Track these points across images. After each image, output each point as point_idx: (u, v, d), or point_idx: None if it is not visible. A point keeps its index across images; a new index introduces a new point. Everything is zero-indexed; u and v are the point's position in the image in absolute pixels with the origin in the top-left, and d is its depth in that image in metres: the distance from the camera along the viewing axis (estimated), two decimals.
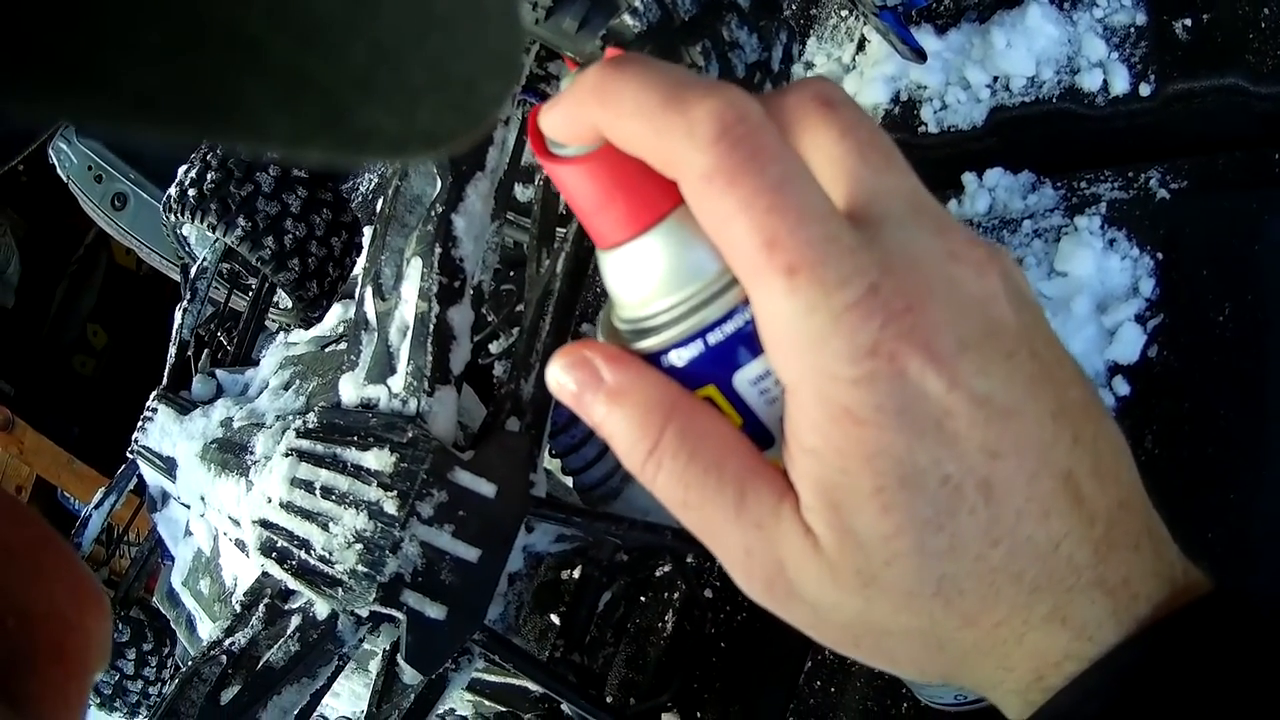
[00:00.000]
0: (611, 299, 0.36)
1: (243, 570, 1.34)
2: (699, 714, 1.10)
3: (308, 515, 1.04)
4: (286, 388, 1.37)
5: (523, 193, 1.45)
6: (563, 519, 0.97)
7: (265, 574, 1.13)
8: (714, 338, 0.33)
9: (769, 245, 0.30)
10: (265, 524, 1.10)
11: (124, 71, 0.17)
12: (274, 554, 1.07)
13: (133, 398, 2.11)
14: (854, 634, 0.36)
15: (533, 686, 1.16)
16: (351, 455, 1.03)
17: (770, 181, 0.30)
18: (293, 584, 1.05)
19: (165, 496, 1.50)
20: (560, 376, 0.36)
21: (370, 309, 1.13)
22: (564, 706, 1.13)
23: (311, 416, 1.12)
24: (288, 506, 1.07)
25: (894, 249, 0.32)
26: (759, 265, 0.30)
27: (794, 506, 0.33)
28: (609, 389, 0.35)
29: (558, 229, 1.20)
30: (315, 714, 1.12)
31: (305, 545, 1.03)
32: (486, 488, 0.95)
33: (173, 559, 1.48)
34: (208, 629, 1.43)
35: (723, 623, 1.11)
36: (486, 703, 1.17)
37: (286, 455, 1.10)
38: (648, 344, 0.35)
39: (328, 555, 1.00)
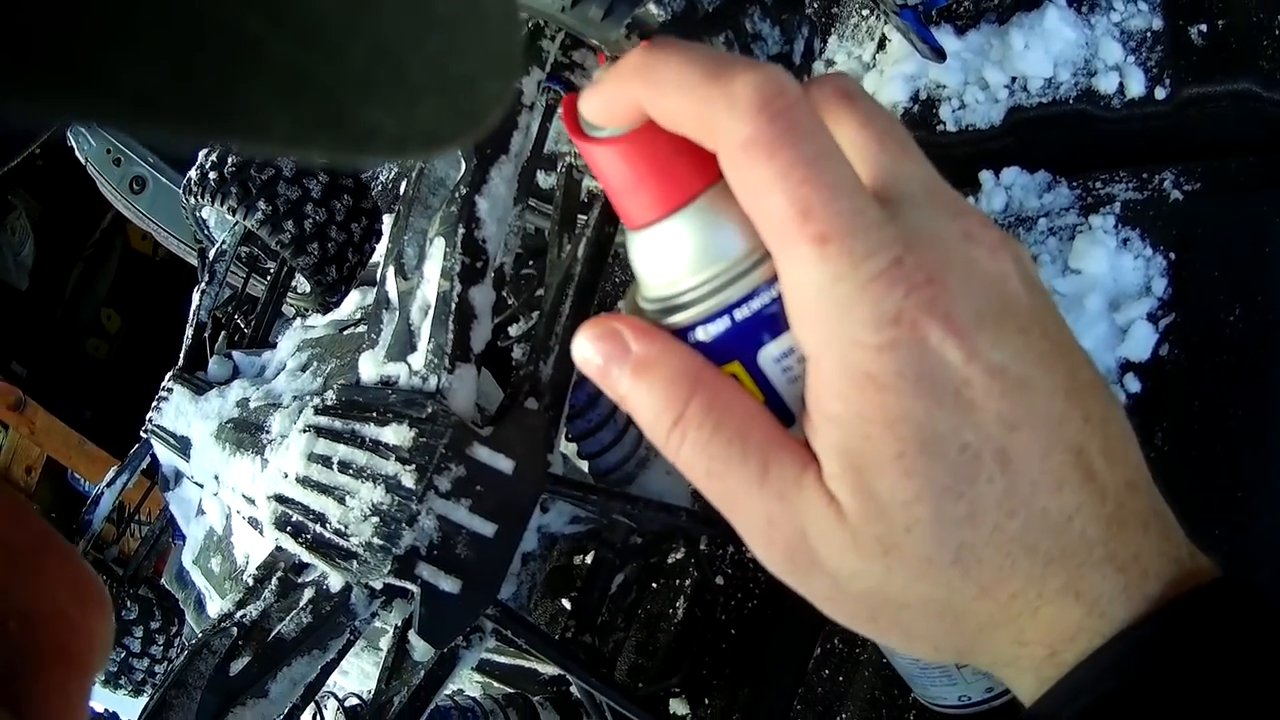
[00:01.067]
0: (638, 279, 0.37)
1: (255, 548, 1.35)
2: (707, 699, 1.10)
3: (324, 489, 1.05)
4: (304, 369, 1.38)
5: (545, 180, 1.46)
6: (578, 496, 0.97)
7: (279, 548, 1.14)
8: (741, 314, 0.35)
9: (802, 215, 0.31)
10: (281, 499, 1.11)
11: (124, 71, 0.17)
12: (289, 528, 1.08)
13: (146, 382, 2.11)
14: (872, 606, 0.36)
15: (543, 669, 1.17)
16: (370, 430, 1.04)
17: (806, 155, 0.31)
18: (307, 557, 1.06)
19: (178, 476, 1.51)
20: (586, 349, 0.37)
21: (392, 288, 1.14)
22: (573, 688, 1.14)
23: (330, 393, 1.13)
24: (304, 481, 1.08)
25: (915, 227, 0.33)
26: (791, 233, 0.32)
27: (816, 475, 0.34)
28: (636, 360, 0.36)
29: (579, 216, 1.21)
30: (324, 690, 1.12)
31: (321, 519, 1.04)
32: (504, 464, 0.96)
33: (184, 538, 1.49)
34: (217, 607, 1.43)
35: (733, 610, 1.12)
36: (496, 684, 1.18)
37: (304, 431, 1.10)
38: (675, 320, 0.36)
39: (343, 529, 1.01)
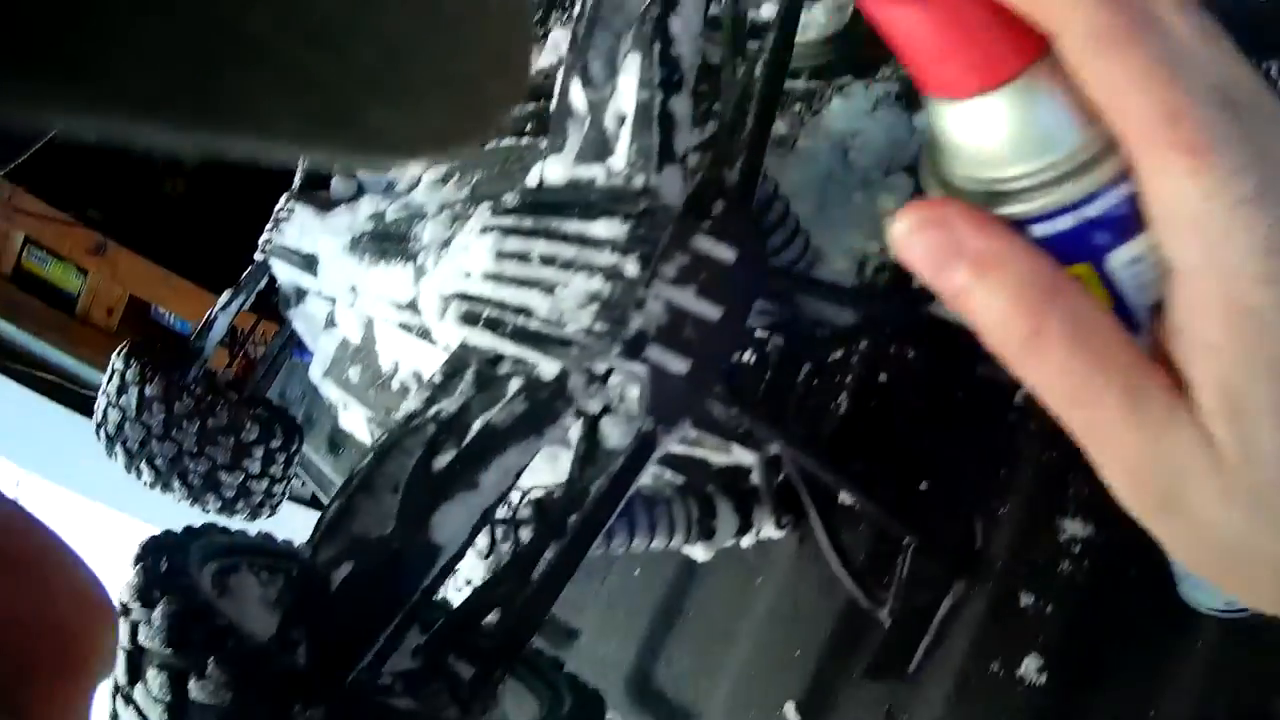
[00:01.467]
0: (946, 150, 0.34)
1: (405, 352, 1.39)
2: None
3: (525, 283, 1.10)
4: (444, 181, 1.41)
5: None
6: (803, 288, 1.04)
7: (465, 345, 1.18)
8: (1092, 211, 0.32)
9: (1170, 120, 0.29)
10: (466, 297, 1.15)
11: (129, 71, 0.17)
12: (481, 323, 1.12)
13: (223, 218, 2.07)
14: (1226, 560, 0.35)
15: (714, 459, 1.25)
16: (573, 226, 1.09)
17: (1166, 53, 0.29)
18: (510, 349, 1.10)
19: (300, 293, 1.53)
20: (911, 234, 0.33)
21: (578, 98, 1.17)
22: (753, 476, 1.22)
23: (509, 197, 1.17)
24: (497, 278, 1.12)
25: (1264, 144, 0.30)
26: (1159, 139, 0.29)
27: (1189, 410, 0.32)
28: (976, 256, 0.32)
29: (750, 42, 1.25)
30: None
31: (524, 311, 1.09)
32: (727, 253, 1.02)
33: (305, 354, 1.52)
34: (359, 415, 1.47)
35: (899, 406, 1.21)
36: (668, 474, 1.25)
37: (485, 231, 1.14)
38: (1009, 210, 0.32)
39: (555, 319, 1.06)
